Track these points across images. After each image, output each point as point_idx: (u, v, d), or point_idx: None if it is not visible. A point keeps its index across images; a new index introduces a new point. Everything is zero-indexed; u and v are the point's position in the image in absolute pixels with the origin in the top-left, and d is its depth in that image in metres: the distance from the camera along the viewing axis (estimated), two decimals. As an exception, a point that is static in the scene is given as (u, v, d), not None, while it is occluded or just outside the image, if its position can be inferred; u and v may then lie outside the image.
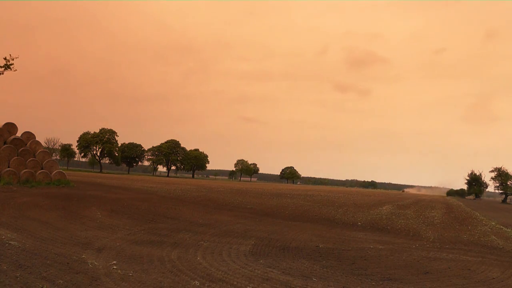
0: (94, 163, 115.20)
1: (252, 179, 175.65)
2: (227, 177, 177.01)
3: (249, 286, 6.30)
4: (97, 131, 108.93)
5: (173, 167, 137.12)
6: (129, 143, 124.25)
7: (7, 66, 25.83)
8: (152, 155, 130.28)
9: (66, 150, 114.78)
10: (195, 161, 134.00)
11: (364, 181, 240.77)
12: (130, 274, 6.51)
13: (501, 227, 19.94)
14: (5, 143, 25.06)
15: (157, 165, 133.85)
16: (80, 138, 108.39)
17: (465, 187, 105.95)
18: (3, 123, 25.73)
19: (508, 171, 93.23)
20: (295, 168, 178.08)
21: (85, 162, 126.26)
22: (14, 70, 26.07)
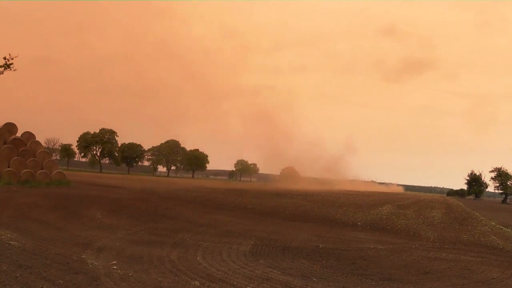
0: (94, 163, 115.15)
1: (252, 179, 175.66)
2: (227, 177, 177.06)
3: (249, 286, 6.31)
4: (97, 131, 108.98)
5: (173, 167, 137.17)
6: (129, 143, 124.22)
7: (6, 66, 25.80)
8: (152, 155, 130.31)
9: (66, 150, 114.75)
10: (195, 161, 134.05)
11: (364, 181, 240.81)
12: (130, 274, 6.51)
13: (501, 227, 19.94)
14: (5, 143, 25.06)
15: (157, 165, 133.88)
16: (80, 138, 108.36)
17: (465, 187, 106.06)
18: (3, 123, 25.74)
19: (508, 171, 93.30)
20: (295, 168, 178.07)
21: (85, 162, 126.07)
22: (14, 70, 26.05)
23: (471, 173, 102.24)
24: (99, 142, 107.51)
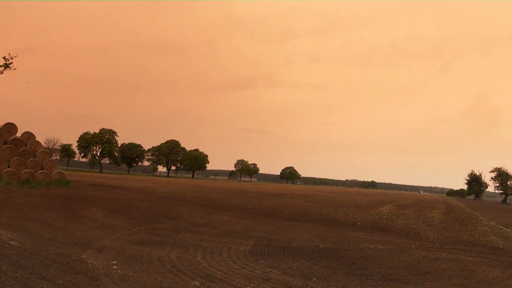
0: (94, 163, 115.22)
1: (252, 179, 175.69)
2: (227, 177, 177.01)
3: (249, 286, 6.30)
4: (97, 131, 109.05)
5: (173, 167, 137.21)
6: (129, 143, 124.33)
7: (6, 65, 25.83)
8: (152, 155, 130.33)
9: (66, 150, 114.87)
10: (195, 161, 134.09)
11: (364, 181, 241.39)
12: (130, 274, 6.50)
13: (501, 227, 19.94)
14: (5, 143, 25.05)
15: (157, 165, 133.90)
16: (80, 138, 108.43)
17: (465, 187, 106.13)
18: (3, 123, 25.74)
19: (508, 171, 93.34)
20: (295, 168, 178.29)
21: (85, 162, 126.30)
22: (14, 69, 26.08)
23: (471, 173, 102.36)
24: (99, 142, 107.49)
